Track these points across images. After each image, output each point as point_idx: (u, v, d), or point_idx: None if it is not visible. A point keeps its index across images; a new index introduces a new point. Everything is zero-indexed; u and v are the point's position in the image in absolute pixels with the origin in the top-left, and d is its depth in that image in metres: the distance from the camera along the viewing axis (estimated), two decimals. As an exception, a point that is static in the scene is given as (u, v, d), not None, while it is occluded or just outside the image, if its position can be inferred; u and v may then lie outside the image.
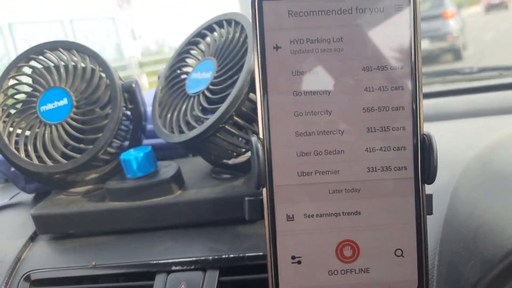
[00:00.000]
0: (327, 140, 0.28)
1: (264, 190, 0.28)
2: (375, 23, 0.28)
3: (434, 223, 0.40)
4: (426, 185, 0.29)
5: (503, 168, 0.41)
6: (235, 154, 0.47)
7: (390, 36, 0.28)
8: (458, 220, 0.37)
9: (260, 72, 0.28)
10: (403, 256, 0.29)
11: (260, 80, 0.28)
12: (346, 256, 0.29)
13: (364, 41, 0.28)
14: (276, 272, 0.29)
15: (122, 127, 0.52)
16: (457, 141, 0.28)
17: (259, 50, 0.27)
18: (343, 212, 0.29)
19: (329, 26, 0.27)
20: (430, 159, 0.28)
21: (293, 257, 0.29)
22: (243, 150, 0.47)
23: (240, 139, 0.45)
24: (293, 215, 0.29)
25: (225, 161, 0.50)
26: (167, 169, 0.48)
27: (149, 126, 0.55)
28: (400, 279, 0.29)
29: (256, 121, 0.45)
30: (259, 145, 0.28)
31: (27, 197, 0.67)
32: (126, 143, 0.54)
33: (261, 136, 0.28)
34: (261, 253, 0.41)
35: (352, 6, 0.27)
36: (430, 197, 0.29)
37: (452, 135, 0.59)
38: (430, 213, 0.29)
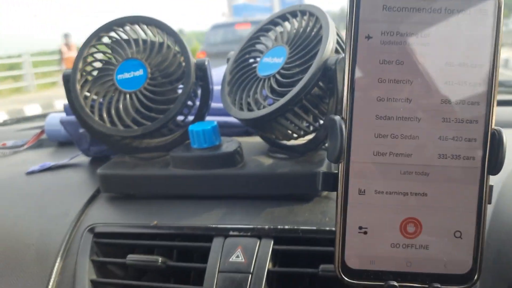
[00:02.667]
0: (404, 125, 0.31)
1: (341, 164, 0.32)
2: (461, 24, 0.30)
3: None
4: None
5: None
6: (295, 135, 0.50)
7: (473, 35, 0.31)
8: (509, 213, 0.40)
9: (350, 58, 0.31)
10: (461, 238, 0.32)
11: (350, 65, 0.31)
12: (409, 232, 0.32)
13: (448, 39, 0.31)
14: (344, 239, 0.32)
15: (190, 102, 0.56)
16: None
17: (352, 38, 0.31)
18: (410, 192, 0.32)
19: (418, 22, 0.30)
20: (499, 152, 0.31)
21: (360, 228, 0.32)
22: (302, 133, 0.50)
23: (304, 122, 0.48)
24: (364, 190, 0.32)
25: (284, 141, 0.53)
26: (229, 143, 0.52)
27: (212, 105, 0.59)
28: (456, 258, 0.32)
29: (319, 108, 0.48)
30: (343, 124, 0.31)
31: (83, 159, 0.71)
32: (190, 117, 0.58)
33: (344, 116, 0.31)
34: (314, 228, 0.44)
35: (442, 7, 0.30)
36: (491, 187, 0.32)
37: None
38: (490, 202, 0.32)
